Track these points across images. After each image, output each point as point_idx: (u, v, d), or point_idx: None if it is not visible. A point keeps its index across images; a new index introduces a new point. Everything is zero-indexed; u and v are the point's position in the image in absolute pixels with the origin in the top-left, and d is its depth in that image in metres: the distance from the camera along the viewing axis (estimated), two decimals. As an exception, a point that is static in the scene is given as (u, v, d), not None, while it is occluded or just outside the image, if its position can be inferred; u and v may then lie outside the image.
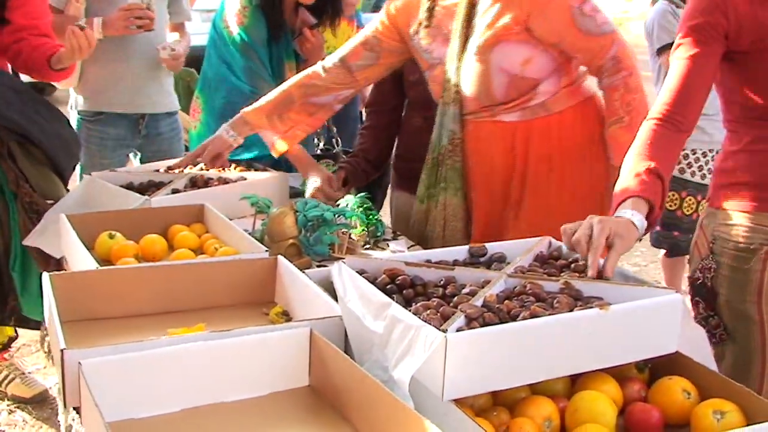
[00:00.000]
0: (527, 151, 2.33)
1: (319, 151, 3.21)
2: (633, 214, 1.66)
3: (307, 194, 2.66)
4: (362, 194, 2.45)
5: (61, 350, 1.32)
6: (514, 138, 2.33)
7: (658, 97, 1.89)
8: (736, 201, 1.92)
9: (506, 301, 1.42)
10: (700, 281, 1.97)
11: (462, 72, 2.32)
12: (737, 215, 1.91)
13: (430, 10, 2.38)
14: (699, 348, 1.49)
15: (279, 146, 2.66)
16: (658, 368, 1.47)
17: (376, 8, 10.07)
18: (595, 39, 2.23)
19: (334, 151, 3.18)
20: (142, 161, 3.59)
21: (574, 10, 2.19)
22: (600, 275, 1.54)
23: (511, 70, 2.26)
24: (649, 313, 1.39)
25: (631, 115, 2.25)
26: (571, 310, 1.38)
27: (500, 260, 1.69)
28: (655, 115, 1.86)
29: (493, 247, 1.75)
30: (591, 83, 2.44)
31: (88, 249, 1.92)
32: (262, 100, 2.65)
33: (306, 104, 2.59)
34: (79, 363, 1.29)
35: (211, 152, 2.70)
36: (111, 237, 2.11)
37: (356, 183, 2.83)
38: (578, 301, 1.44)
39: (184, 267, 1.85)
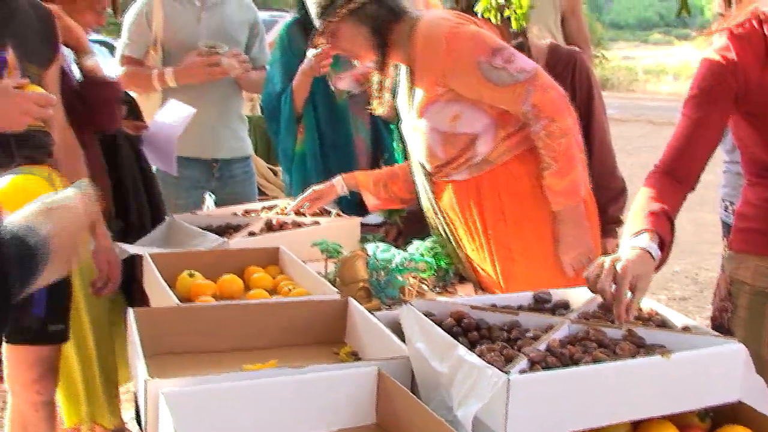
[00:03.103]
0: (482, 207, 2.39)
1: None
2: (649, 244, 1.68)
3: None
4: (432, 239, 2.50)
5: (145, 381, 1.40)
6: (468, 195, 2.41)
7: (665, 149, 1.95)
8: (753, 245, 1.96)
9: (569, 346, 1.46)
10: (718, 322, 1.99)
11: (409, 136, 2.48)
12: (754, 259, 1.94)
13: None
14: (761, 397, 1.50)
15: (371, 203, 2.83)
16: (719, 417, 1.48)
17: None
18: (509, 88, 2.25)
19: None
20: (216, 203, 3.72)
21: (483, 65, 2.24)
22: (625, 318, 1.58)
23: (442, 128, 2.35)
24: (711, 361, 1.41)
25: (559, 161, 2.26)
26: (634, 357, 1.40)
27: (564, 306, 1.72)
28: (659, 165, 1.93)
29: (557, 294, 1.78)
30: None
31: (169, 287, 2.02)
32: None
33: (408, 182, 2.71)
34: (161, 393, 1.37)
35: (317, 194, 2.86)
36: (191, 276, 2.21)
37: (412, 234, 2.80)
38: (640, 348, 1.47)
39: (259, 306, 1.93)
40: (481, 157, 2.36)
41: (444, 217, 2.51)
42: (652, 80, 25.04)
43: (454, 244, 2.51)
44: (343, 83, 3.13)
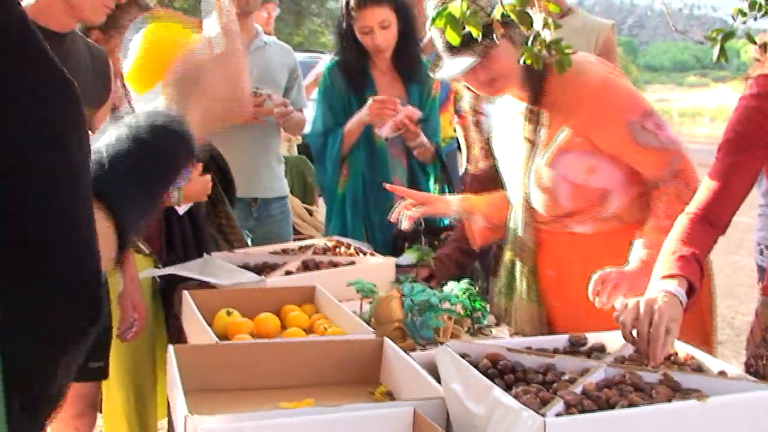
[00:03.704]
0: (602, 263, 2.20)
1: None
2: (677, 290, 1.69)
3: None
4: (466, 280, 2.52)
5: (185, 417, 1.43)
6: (590, 249, 2.30)
7: (697, 193, 1.95)
8: None
9: (605, 390, 1.46)
10: (753, 368, 1.97)
11: (529, 182, 2.34)
12: None
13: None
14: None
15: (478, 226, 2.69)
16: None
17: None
18: (656, 153, 2.20)
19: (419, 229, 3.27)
20: (252, 242, 3.76)
21: (634, 126, 2.18)
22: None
23: (576, 179, 2.25)
24: (747, 406, 1.41)
25: (672, 221, 2.07)
26: (669, 401, 1.40)
27: (600, 350, 1.73)
28: (692, 209, 1.91)
29: (593, 337, 1.79)
30: None
31: (207, 324, 2.06)
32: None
33: None
34: (200, 429, 1.39)
35: (427, 199, 2.72)
36: (228, 314, 2.24)
37: (443, 277, 2.82)
38: (676, 392, 1.47)
39: (295, 345, 1.96)
40: (612, 212, 2.29)
41: (532, 264, 2.40)
42: (687, 123, 24.96)
43: (524, 289, 2.42)
44: (384, 131, 3.18)
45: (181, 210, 2.77)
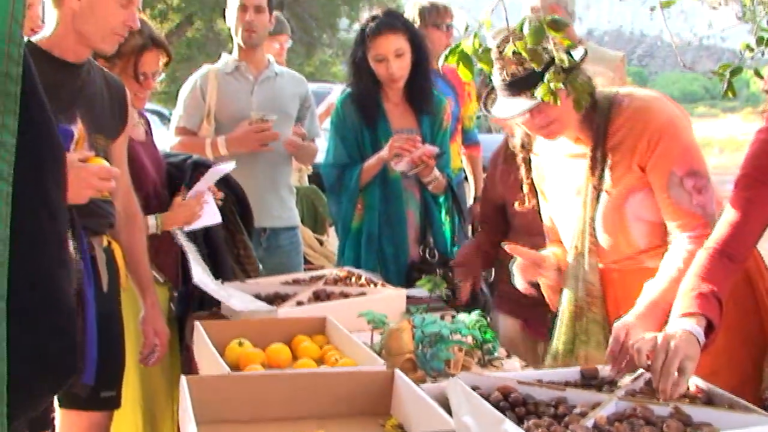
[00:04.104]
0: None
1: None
2: (695, 328, 1.69)
3: None
4: (477, 311, 2.52)
5: (197, 448, 1.44)
6: None
7: (716, 227, 1.94)
8: None
9: (616, 423, 1.47)
10: (766, 402, 1.96)
11: (597, 224, 2.28)
12: None
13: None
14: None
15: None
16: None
17: (489, 130, 10.33)
18: (681, 211, 2.13)
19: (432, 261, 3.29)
20: (262, 272, 3.77)
21: (673, 177, 2.13)
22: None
23: (649, 217, 2.20)
24: (759, 441, 1.41)
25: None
26: (681, 435, 1.41)
27: (611, 383, 1.73)
28: (711, 244, 1.90)
29: (604, 370, 1.79)
30: None
31: (219, 354, 2.07)
32: None
33: None
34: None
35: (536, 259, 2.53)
36: (240, 345, 2.25)
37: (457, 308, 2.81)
38: (688, 426, 1.47)
39: (307, 375, 1.97)
40: None
41: (602, 309, 2.32)
42: (697, 153, 24.91)
43: (597, 345, 2.31)
44: (401, 166, 3.20)
45: (180, 235, 2.79)
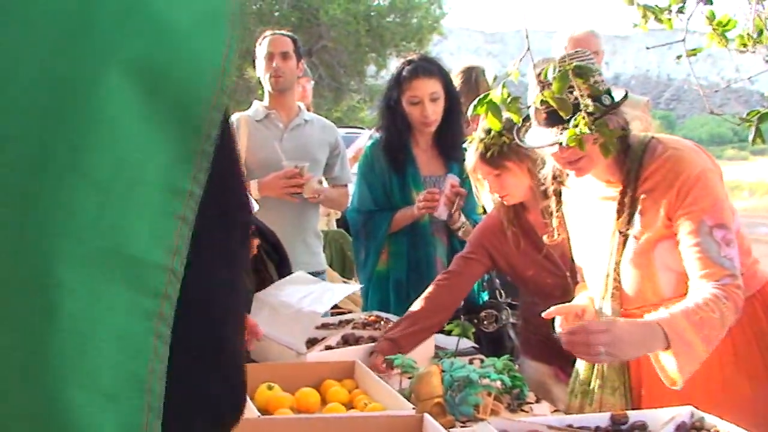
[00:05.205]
0: None
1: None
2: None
3: None
4: (506, 356, 2.52)
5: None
6: None
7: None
8: None
9: (647, 469, 1.46)
10: None
11: (622, 270, 2.27)
12: None
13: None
14: None
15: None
16: None
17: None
18: (708, 262, 2.07)
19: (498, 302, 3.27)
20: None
21: (703, 227, 2.10)
22: None
23: (677, 267, 2.16)
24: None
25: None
26: (713, 482, 1.40)
27: (641, 428, 1.72)
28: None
29: (634, 415, 1.78)
30: (765, 270, 2.31)
31: (249, 398, 2.08)
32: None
33: None
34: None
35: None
36: (269, 388, 2.26)
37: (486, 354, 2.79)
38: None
39: (336, 420, 1.97)
40: None
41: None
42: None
43: (612, 391, 2.30)
44: (440, 213, 3.23)
45: None
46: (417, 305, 2.78)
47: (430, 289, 2.81)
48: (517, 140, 2.34)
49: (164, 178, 0.62)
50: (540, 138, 2.18)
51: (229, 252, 0.73)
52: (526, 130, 2.28)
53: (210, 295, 0.71)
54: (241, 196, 0.76)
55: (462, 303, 3.12)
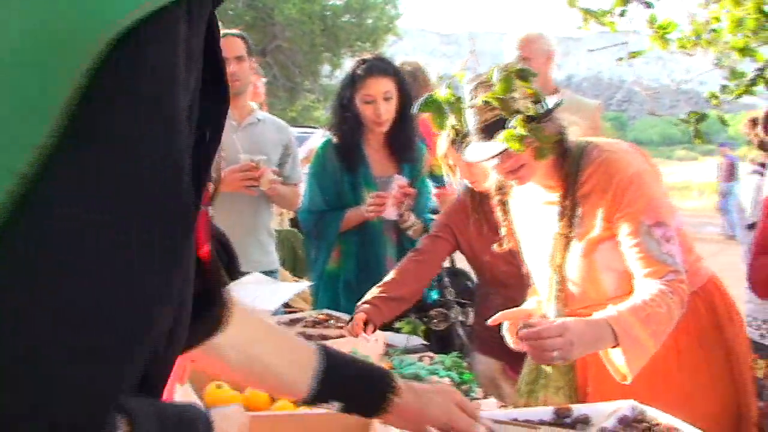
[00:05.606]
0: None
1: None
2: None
3: None
4: (454, 354, 2.55)
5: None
6: None
7: None
8: None
9: (588, 461, 1.49)
10: None
11: (566, 271, 2.30)
12: None
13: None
14: None
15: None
16: None
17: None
18: (652, 261, 2.11)
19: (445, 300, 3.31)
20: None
21: (642, 227, 2.13)
22: None
23: (619, 267, 2.21)
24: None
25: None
26: (651, 472, 1.44)
27: (584, 422, 1.76)
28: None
29: (578, 409, 1.82)
30: (707, 267, 2.38)
31: (197, 397, 2.08)
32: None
33: None
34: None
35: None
36: (218, 387, 2.26)
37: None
38: (658, 463, 1.50)
39: (286, 417, 1.98)
40: None
41: None
42: (676, 196, 25.20)
43: (555, 391, 2.36)
44: (389, 214, 3.25)
45: None
46: (388, 276, 2.86)
47: (401, 262, 2.89)
48: (463, 158, 2.38)
49: None
50: (481, 152, 2.21)
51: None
52: (466, 146, 2.31)
53: None
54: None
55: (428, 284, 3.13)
